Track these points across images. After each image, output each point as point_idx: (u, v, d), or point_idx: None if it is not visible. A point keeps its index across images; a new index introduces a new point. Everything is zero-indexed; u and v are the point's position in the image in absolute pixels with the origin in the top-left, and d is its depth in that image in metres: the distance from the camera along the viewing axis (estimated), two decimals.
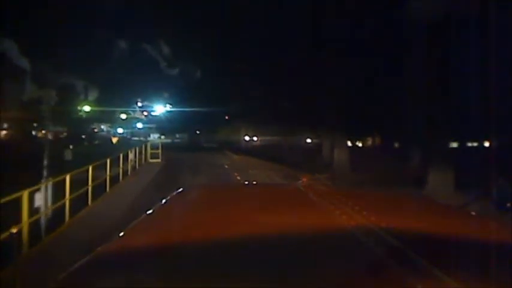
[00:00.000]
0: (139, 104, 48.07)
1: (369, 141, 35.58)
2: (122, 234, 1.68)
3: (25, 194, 6.37)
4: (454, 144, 22.91)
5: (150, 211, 1.98)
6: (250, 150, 28.47)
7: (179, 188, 2.57)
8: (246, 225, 1.68)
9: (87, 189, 9.59)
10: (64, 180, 8.63)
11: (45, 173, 8.99)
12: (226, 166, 18.49)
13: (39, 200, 7.18)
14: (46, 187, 7.59)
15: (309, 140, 39.41)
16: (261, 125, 36.96)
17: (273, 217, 1.78)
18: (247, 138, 42.01)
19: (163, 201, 2.22)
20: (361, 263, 1.32)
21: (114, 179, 12.60)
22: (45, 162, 9.07)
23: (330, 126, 20.35)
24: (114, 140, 25.44)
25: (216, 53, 33.90)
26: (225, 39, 31.47)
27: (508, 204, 8.88)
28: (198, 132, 46.88)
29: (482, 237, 1.57)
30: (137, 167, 15.49)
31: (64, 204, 8.20)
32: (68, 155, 19.50)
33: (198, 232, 1.61)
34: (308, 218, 1.80)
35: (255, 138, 42.03)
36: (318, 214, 1.89)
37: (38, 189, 7.26)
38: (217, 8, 30.93)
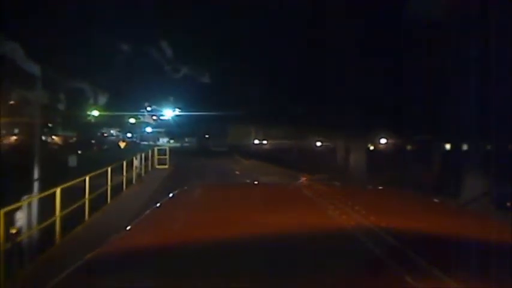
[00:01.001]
0: (149, 108, 47.24)
1: (379, 145, 34.09)
2: (122, 233, 1.69)
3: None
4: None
5: (149, 210, 2.02)
6: (260, 155, 27.07)
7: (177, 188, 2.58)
8: (245, 225, 1.67)
9: (86, 201, 8.36)
10: (65, 189, 7.42)
11: (35, 185, 7.73)
12: (237, 172, 17.08)
13: (20, 220, 5.89)
14: (30, 204, 6.29)
15: (318, 143, 38.03)
16: (271, 129, 35.71)
17: (272, 217, 1.77)
18: (256, 141, 40.76)
19: (163, 200, 2.24)
20: (360, 263, 1.31)
21: (118, 188, 11.36)
22: (36, 174, 7.80)
23: (346, 128, 19.03)
24: (122, 144, 24.23)
25: (225, 56, 32.89)
26: (234, 41, 30.50)
27: (508, 204, 8.69)
28: (207, 136, 45.70)
29: (482, 236, 1.54)
30: (143, 174, 14.18)
31: (55, 223, 6.95)
32: (73, 161, 18.25)
33: (198, 232, 1.60)
34: (307, 218, 1.79)
35: (264, 142, 40.74)
36: (317, 214, 1.87)
37: (19, 208, 5.96)
38: (226, 11, 30.00)
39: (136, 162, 13.24)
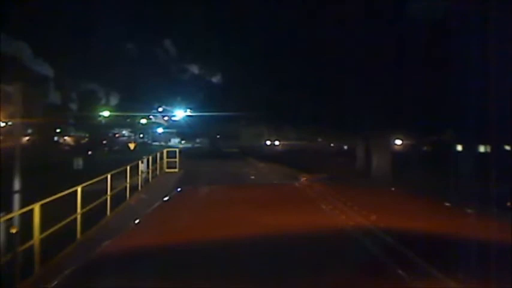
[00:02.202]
0: (160, 109, 46.11)
1: (394, 145, 32.22)
2: (123, 232, 1.65)
3: None
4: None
5: (151, 210, 1.99)
6: (273, 156, 25.28)
7: (178, 188, 2.64)
8: (245, 225, 1.61)
9: (78, 217, 6.75)
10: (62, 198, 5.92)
11: (15, 197, 6.12)
12: (252, 177, 15.26)
13: None
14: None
15: (331, 144, 36.29)
16: (283, 130, 34.09)
17: (272, 217, 1.70)
18: (268, 142, 39.21)
19: (165, 199, 2.23)
20: (359, 263, 1.26)
21: (121, 197, 9.76)
22: (17, 184, 6.19)
23: (369, 128, 17.29)
24: (132, 145, 22.72)
25: (236, 56, 31.62)
26: (246, 41, 29.37)
27: (508, 204, 8.40)
28: (218, 136, 44.23)
29: (481, 236, 1.48)
30: (150, 179, 12.53)
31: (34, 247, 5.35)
32: (78, 164, 16.69)
33: (198, 233, 1.54)
34: (307, 218, 1.73)
35: (276, 143, 39.11)
36: (317, 214, 1.81)
37: None
38: (239, 11, 28.93)
39: (142, 167, 11.60)
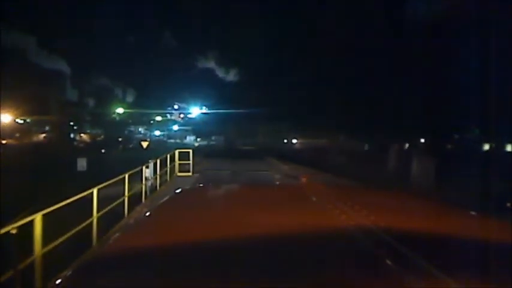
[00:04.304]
0: (176, 106, 44.24)
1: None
2: (121, 233, 1.60)
3: None
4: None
5: (151, 210, 1.87)
6: (295, 156, 22.57)
7: (178, 188, 2.51)
8: (246, 225, 1.53)
9: (37, 257, 4.26)
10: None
11: None
12: (277, 182, 12.59)
13: None
14: None
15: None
16: (302, 127, 31.50)
17: (274, 218, 1.62)
18: (285, 140, 36.69)
19: (167, 198, 2.20)
20: (359, 262, 1.21)
21: (119, 212, 7.31)
22: None
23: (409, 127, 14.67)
24: (145, 144, 20.39)
25: (255, 54, 29.62)
26: (265, 39, 27.38)
27: (508, 204, 8.04)
28: (234, 134, 41.99)
29: (481, 236, 1.42)
30: (158, 187, 10.04)
31: None
32: (82, 165, 14.32)
33: (198, 233, 1.46)
34: (308, 218, 1.65)
35: (294, 141, 36.49)
36: (317, 214, 1.72)
37: None
38: (260, 11, 27.16)
39: (148, 172, 9.10)
